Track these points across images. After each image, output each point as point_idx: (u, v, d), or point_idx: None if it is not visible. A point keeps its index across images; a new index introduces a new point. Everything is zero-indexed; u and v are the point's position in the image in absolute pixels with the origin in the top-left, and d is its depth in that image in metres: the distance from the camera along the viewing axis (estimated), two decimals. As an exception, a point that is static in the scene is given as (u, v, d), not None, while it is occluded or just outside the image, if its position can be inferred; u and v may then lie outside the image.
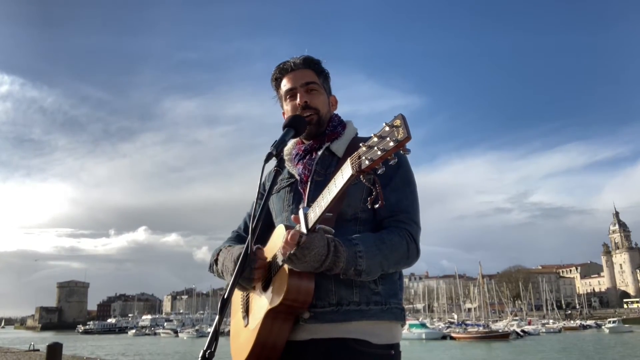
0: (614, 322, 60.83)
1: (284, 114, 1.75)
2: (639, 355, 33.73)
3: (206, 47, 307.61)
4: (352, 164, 1.14)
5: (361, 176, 1.14)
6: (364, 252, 1.37)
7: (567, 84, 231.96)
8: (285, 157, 1.70)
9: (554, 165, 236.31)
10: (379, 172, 1.12)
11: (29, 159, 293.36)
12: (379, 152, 1.09)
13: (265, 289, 1.48)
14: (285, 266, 1.37)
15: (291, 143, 1.73)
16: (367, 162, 1.11)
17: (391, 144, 1.07)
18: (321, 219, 1.27)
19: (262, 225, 1.43)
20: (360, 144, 1.14)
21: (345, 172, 1.18)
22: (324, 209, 1.25)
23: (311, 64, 1.71)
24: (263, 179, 1.64)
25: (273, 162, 1.47)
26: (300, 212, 1.32)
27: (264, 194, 1.43)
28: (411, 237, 1.49)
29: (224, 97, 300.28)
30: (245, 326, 1.54)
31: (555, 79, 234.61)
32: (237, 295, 1.68)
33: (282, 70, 1.72)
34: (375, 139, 1.11)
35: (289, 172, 1.70)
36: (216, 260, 1.65)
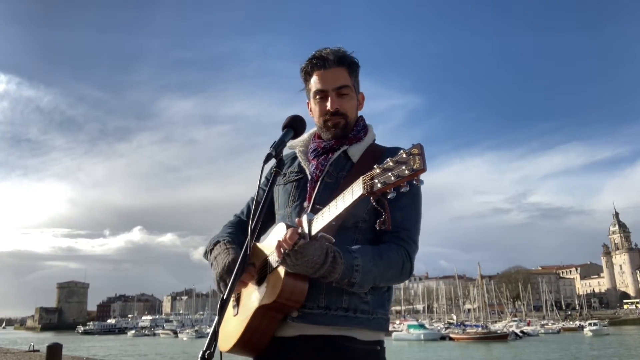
0: (595, 324, 61.22)
1: (308, 104, 1.72)
2: (634, 355, 33.84)
3: (202, 46, 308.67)
4: (364, 184, 1.15)
5: (371, 197, 1.15)
6: (361, 266, 1.37)
7: (565, 83, 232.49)
8: (299, 149, 1.70)
9: (553, 165, 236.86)
10: (389, 196, 1.12)
11: (26, 158, 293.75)
12: (392, 178, 1.09)
13: (259, 283, 1.50)
14: None
15: (307, 135, 1.71)
16: (379, 185, 1.11)
17: (406, 172, 1.08)
18: (325, 229, 1.29)
19: (263, 217, 1.44)
20: (375, 166, 1.15)
21: (355, 191, 1.18)
22: (328, 221, 1.26)
23: (345, 63, 1.62)
24: (263, 179, 1.63)
25: (272, 162, 1.46)
26: (304, 218, 1.31)
27: (264, 196, 1.43)
28: (408, 256, 1.50)
29: (220, 96, 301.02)
30: (235, 315, 1.56)
31: (554, 79, 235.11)
32: None
33: (314, 66, 1.63)
34: (391, 163, 1.11)
35: (299, 166, 1.69)
36: (211, 250, 1.66)
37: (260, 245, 1.61)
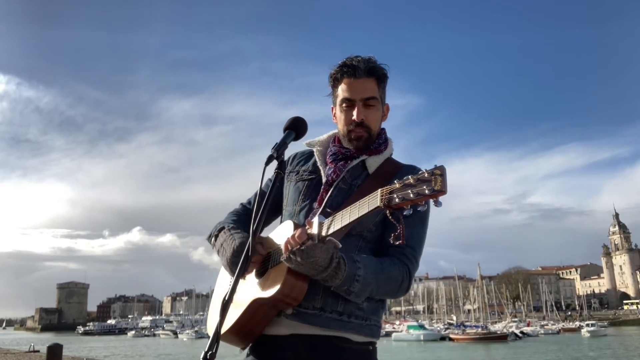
0: (592, 325, 61.36)
1: (333, 109, 1.72)
2: (634, 356, 33.85)
3: (201, 46, 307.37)
4: (382, 196, 1.16)
5: (387, 211, 1.16)
6: (362, 277, 1.39)
7: (566, 83, 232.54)
8: (317, 149, 1.72)
9: (553, 166, 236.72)
10: (404, 212, 1.14)
11: (26, 159, 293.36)
12: (411, 195, 1.10)
13: (259, 275, 1.52)
14: None
15: (326, 136, 1.75)
16: (397, 200, 1.13)
17: (427, 191, 1.09)
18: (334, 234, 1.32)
19: (270, 206, 1.45)
20: (395, 181, 1.16)
21: (372, 203, 1.20)
22: (339, 227, 1.29)
23: (374, 74, 1.62)
24: (265, 181, 1.65)
25: (274, 164, 1.48)
26: (315, 220, 1.32)
27: (265, 199, 1.44)
28: (408, 275, 1.51)
29: (220, 96, 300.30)
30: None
31: (554, 79, 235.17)
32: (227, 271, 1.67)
33: (344, 73, 1.62)
34: (412, 180, 1.12)
35: (314, 165, 1.70)
36: (217, 236, 1.67)
37: (264, 238, 1.61)
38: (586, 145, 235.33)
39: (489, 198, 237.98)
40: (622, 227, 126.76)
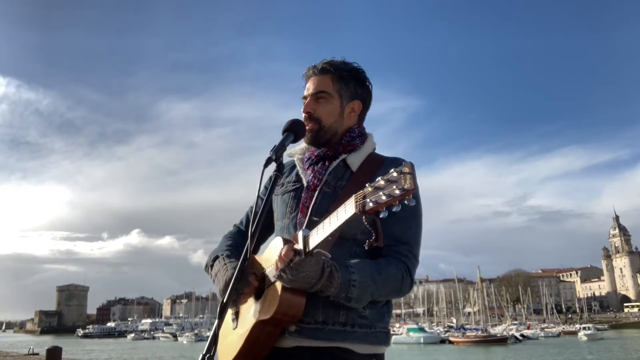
0: (588, 328, 61.37)
1: None
2: (632, 359, 33.84)
3: (201, 48, 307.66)
4: (357, 202, 1.15)
5: (363, 216, 1.15)
6: (358, 281, 1.36)
7: (565, 86, 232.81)
8: (298, 157, 1.71)
9: (553, 168, 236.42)
10: (380, 215, 1.12)
11: (25, 161, 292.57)
12: (383, 197, 1.10)
13: (257, 298, 1.51)
14: None
15: (304, 143, 1.73)
16: (370, 204, 1.11)
17: (397, 192, 1.08)
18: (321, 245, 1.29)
19: (262, 226, 1.45)
20: (367, 185, 1.14)
21: (348, 209, 1.19)
22: (322, 238, 1.27)
23: (329, 70, 1.66)
24: (264, 183, 1.65)
25: (273, 167, 1.47)
26: (300, 234, 1.31)
27: (264, 200, 1.44)
28: (407, 271, 1.48)
29: (219, 98, 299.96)
30: (234, 329, 1.56)
31: (554, 82, 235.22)
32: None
33: (305, 75, 1.71)
34: (382, 182, 1.11)
35: (297, 175, 1.68)
36: (212, 266, 1.66)
37: (258, 258, 1.60)
38: (586, 148, 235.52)
39: (489, 200, 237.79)
40: (623, 230, 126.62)
